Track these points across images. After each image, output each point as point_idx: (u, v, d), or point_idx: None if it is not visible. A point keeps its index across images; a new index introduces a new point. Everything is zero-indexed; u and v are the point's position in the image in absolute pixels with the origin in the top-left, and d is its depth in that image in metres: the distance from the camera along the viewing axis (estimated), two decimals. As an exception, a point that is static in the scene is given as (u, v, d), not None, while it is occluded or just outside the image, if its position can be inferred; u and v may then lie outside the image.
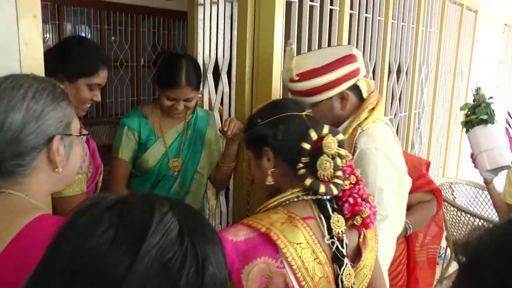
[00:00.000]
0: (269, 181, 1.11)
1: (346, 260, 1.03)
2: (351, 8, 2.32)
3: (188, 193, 2.00)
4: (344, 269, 1.02)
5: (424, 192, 2.02)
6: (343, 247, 1.03)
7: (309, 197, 1.05)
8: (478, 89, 2.40)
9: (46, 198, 0.94)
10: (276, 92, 1.91)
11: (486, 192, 3.53)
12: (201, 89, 2.08)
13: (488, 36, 4.55)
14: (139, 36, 5.44)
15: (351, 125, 1.50)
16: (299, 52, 2.06)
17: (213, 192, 2.34)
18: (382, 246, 1.23)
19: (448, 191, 3.58)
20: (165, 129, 1.95)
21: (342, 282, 1.01)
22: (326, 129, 1.06)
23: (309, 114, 1.14)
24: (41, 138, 0.87)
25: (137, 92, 5.57)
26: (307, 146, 1.05)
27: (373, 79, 2.67)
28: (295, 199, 1.06)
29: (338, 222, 1.03)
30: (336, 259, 1.02)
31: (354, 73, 1.51)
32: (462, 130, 4.16)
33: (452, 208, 3.21)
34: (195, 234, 0.55)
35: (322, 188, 1.02)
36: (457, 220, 3.25)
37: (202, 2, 2.03)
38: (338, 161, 1.05)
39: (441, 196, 2.06)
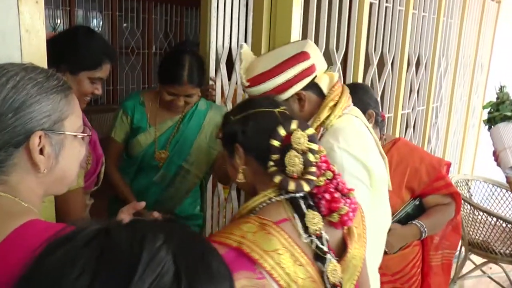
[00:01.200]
0: (240, 178, 1.08)
1: (328, 256, 0.98)
2: (372, -3, 2.24)
3: (171, 185, 1.99)
4: (327, 265, 0.98)
5: (442, 194, 1.94)
6: (323, 244, 0.99)
7: (282, 197, 1.01)
8: (502, 87, 2.30)
9: (40, 201, 0.86)
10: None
11: (504, 190, 3.45)
12: (213, 76, 2.02)
13: (510, 28, 4.40)
14: (151, 23, 5.37)
15: (312, 126, 1.34)
16: (316, 44, 1.98)
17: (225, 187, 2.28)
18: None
19: (465, 188, 3.49)
20: (160, 120, 1.95)
21: (328, 278, 0.98)
22: (294, 124, 1.02)
23: (282, 110, 1.09)
24: (19, 132, 0.78)
25: (148, 79, 5.53)
26: (276, 143, 1.01)
27: (391, 71, 2.58)
28: (268, 201, 1.02)
29: (314, 219, 0.99)
30: (318, 257, 0.98)
31: (308, 71, 1.38)
32: (479, 126, 4.07)
33: (468, 206, 3.12)
34: (196, 274, 0.46)
35: (292, 185, 0.98)
36: (472, 218, 3.16)
37: (216, -11, 1.96)
38: (311, 156, 1.01)
39: (460, 199, 1.98)
